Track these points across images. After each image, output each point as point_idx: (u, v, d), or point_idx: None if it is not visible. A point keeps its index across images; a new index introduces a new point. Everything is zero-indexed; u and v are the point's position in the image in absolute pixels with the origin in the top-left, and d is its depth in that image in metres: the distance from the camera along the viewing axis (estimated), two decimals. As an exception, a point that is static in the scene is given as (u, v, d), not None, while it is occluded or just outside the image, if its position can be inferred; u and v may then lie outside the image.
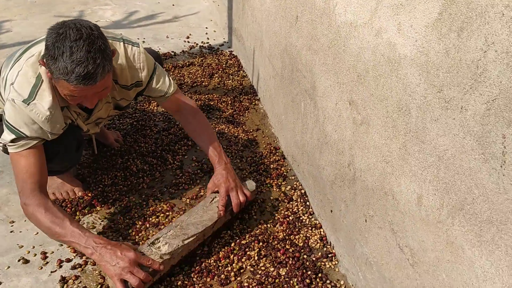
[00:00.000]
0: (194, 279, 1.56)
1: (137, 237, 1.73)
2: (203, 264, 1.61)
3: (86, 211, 1.85)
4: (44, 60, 1.38)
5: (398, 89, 1.12)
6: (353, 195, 1.45)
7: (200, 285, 1.54)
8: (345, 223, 1.54)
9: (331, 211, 1.66)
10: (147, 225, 1.78)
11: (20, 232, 1.75)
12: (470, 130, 0.88)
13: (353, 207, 1.46)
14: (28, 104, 1.44)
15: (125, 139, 2.30)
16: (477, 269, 0.90)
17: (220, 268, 1.60)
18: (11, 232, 1.75)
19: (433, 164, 1.01)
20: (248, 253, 1.65)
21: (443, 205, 0.99)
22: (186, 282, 1.54)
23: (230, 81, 2.92)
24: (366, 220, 1.37)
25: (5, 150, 1.74)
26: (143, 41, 3.47)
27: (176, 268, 1.57)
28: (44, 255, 1.65)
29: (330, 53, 1.54)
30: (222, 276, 1.56)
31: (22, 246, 1.69)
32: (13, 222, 1.79)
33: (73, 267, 1.60)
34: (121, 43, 1.60)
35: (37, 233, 1.74)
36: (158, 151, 2.22)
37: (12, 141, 1.47)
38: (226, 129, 2.43)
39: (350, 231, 1.51)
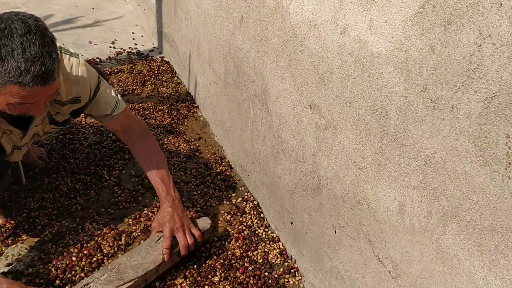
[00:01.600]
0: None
1: (77, 268, 1.51)
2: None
3: (9, 241, 1.58)
4: None
5: (371, 90, 1.05)
6: (319, 205, 1.36)
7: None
8: (310, 236, 1.44)
9: (291, 223, 1.56)
10: (85, 252, 1.56)
11: None
12: (464, 131, 0.82)
13: (319, 217, 1.37)
14: None
15: (50, 155, 2.04)
16: (477, 280, 0.83)
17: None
18: None
19: (418, 168, 0.94)
20: (210, 278, 1.49)
21: (431, 212, 0.92)
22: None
23: (164, 89, 2.74)
24: (335, 232, 1.29)
25: None
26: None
27: None
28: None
29: (284, 55, 1.44)
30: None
31: None
32: None
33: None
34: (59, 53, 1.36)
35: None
36: (91, 167, 1.99)
37: None
38: (165, 140, 2.25)
39: (316, 244, 1.41)
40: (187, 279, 1.48)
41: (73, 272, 1.49)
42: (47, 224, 1.68)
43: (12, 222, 1.66)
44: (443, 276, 0.91)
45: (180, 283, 1.47)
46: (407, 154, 0.96)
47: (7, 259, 1.53)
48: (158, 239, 1.49)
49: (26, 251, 1.56)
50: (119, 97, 1.56)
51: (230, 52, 1.92)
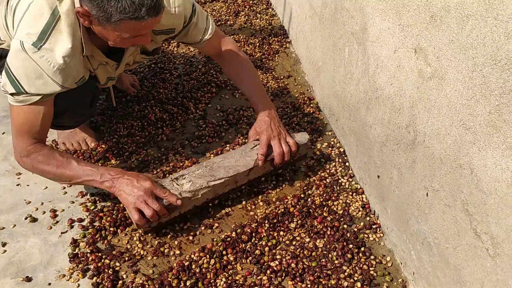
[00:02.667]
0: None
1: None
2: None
3: (99, 164, 1.66)
4: (89, 8, 1.15)
5: (495, 36, 0.85)
6: (411, 162, 1.22)
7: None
8: (397, 193, 1.32)
9: (378, 176, 1.44)
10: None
11: (28, 186, 1.58)
12: None
13: (410, 176, 1.23)
14: (38, 49, 1.21)
15: (142, 83, 2.07)
16: None
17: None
18: (18, 185, 1.58)
19: (545, 137, 0.76)
20: (287, 224, 1.45)
21: (553, 191, 0.76)
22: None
23: (257, 21, 2.62)
24: (427, 194, 1.15)
25: None
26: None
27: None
28: (54, 213, 1.48)
29: (391, -12, 1.25)
30: (257, 251, 1.37)
31: (30, 202, 1.52)
32: (19, 174, 1.62)
33: (85, 228, 1.43)
34: None
35: (46, 187, 1.57)
36: (178, 98, 1.99)
37: (12, 94, 1.27)
38: (254, 75, 2.17)
39: (403, 203, 1.29)
40: (266, 222, 1.45)
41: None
42: (134, 151, 1.72)
43: (103, 146, 1.73)
44: (557, 267, 0.76)
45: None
46: (532, 118, 0.78)
47: (96, 181, 1.61)
48: (254, 146, 1.52)
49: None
50: (211, 22, 1.56)
51: (330, -17, 1.73)
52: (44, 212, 1.49)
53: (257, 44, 2.40)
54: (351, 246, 1.38)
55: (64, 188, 1.57)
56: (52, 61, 1.23)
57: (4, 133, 1.78)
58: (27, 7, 1.24)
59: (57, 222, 1.46)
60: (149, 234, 1.41)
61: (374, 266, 1.34)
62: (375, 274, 1.32)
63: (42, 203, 1.52)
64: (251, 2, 2.80)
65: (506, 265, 0.89)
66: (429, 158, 1.13)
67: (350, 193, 1.57)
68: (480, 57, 0.91)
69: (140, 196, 1.30)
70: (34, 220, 1.46)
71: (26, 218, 1.46)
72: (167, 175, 1.59)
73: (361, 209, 1.51)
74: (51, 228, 1.44)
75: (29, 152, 1.32)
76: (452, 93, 1.01)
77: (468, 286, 1.02)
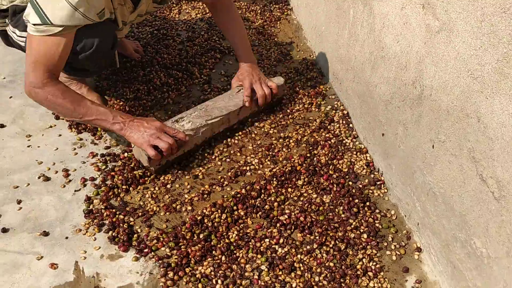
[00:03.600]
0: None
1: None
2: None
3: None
4: None
5: (505, -16, 0.88)
6: (417, 117, 1.25)
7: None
8: (402, 148, 1.36)
9: (383, 134, 1.48)
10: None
11: (38, 147, 1.60)
12: None
13: (415, 130, 1.27)
14: None
15: (146, 49, 2.09)
16: None
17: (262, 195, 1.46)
18: (29, 147, 1.60)
19: (552, 79, 0.80)
20: (294, 182, 1.49)
21: (559, 130, 0.80)
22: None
23: (258, -12, 2.62)
24: (433, 146, 1.19)
25: (6, 38, 1.63)
26: None
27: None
28: (66, 172, 1.51)
29: None
30: (266, 206, 1.42)
31: (42, 162, 1.55)
32: (29, 136, 1.64)
33: (98, 186, 1.46)
34: None
35: (57, 148, 1.59)
36: (183, 63, 2.01)
37: (34, 24, 1.30)
38: (256, 42, 2.19)
39: (408, 158, 1.33)
40: (274, 179, 1.49)
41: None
42: (142, 114, 1.75)
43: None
44: (561, 202, 0.81)
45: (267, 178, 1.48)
46: (540, 61, 0.82)
47: (105, 142, 1.64)
48: (238, 90, 1.69)
49: (121, 138, 1.65)
50: None
51: None
52: (57, 172, 1.51)
53: (259, 11, 2.41)
54: (356, 201, 1.43)
55: (75, 149, 1.60)
56: None
57: (11, 97, 1.79)
58: None
59: (70, 181, 1.49)
60: (161, 191, 1.45)
61: (379, 219, 1.39)
62: (380, 226, 1.37)
63: (54, 163, 1.54)
64: (251, -30, 2.78)
65: (510, 205, 0.94)
66: (435, 111, 1.17)
67: (355, 153, 1.61)
68: (489, 7, 0.94)
69: (154, 134, 1.41)
70: (47, 179, 1.49)
71: (39, 178, 1.49)
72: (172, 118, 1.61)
73: (365, 167, 1.56)
74: (64, 186, 1.47)
75: (44, 84, 1.37)
76: (460, 44, 1.04)
77: (472, 230, 1.07)
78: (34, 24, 1.31)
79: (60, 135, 1.65)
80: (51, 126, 1.68)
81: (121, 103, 1.78)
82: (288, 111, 1.78)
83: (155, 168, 1.48)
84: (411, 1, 1.23)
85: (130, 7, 1.53)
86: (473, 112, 1.02)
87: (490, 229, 1.00)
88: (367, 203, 1.43)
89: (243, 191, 1.45)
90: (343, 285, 1.21)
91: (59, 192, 1.45)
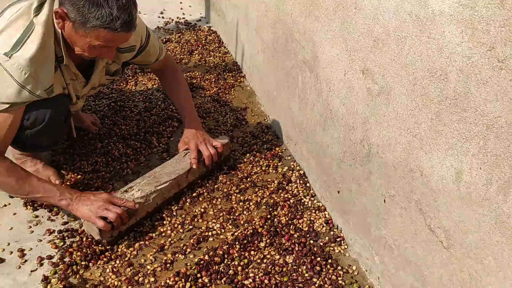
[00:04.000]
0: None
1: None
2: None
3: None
4: (68, 11, 1.26)
5: (430, 52, 0.99)
6: (368, 174, 1.33)
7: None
8: (357, 205, 1.42)
9: (338, 192, 1.54)
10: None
11: (-6, 226, 1.55)
12: (534, 93, 0.76)
13: (368, 186, 1.34)
14: (9, 57, 1.29)
15: (103, 121, 2.10)
16: (540, 251, 0.79)
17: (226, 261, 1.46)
18: (-19, 227, 1.55)
19: (479, 134, 0.89)
20: (257, 244, 1.51)
21: (491, 180, 0.87)
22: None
23: (211, 58, 2.74)
24: (385, 201, 1.26)
25: None
26: (114, 18, 3.23)
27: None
28: (22, 252, 1.46)
29: (336, 18, 1.39)
30: (230, 271, 1.41)
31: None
32: (-18, 216, 1.59)
33: (56, 264, 1.42)
34: None
35: (12, 228, 1.55)
36: (141, 133, 2.03)
37: None
38: (212, 109, 2.26)
39: (363, 213, 1.39)
40: (237, 243, 1.50)
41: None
42: (101, 186, 1.74)
43: (68, 183, 1.73)
44: (501, 246, 0.87)
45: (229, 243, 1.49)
46: (467, 119, 0.91)
47: (63, 218, 1.61)
48: (185, 154, 1.73)
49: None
50: (161, 43, 1.76)
51: (279, 18, 1.88)
52: (12, 252, 1.46)
53: (213, 80, 2.51)
54: (319, 259, 1.45)
55: (30, 227, 1.55)
56: (23, 68, 1.30)
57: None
58: (4, 26, 1.33)
59: (26, 261, 1.44)
60: (122, 264, 1.42)
61: (341, 275, 1.41)
62: (343, 283, 1.39)
63: (9, 244, 1.49)
64: (203, 41, 2.92)
65: (459, 254, 0.99)
66: (383, 167, 1.24)
67: (313, 211, 1.66)
68: (419, 71, 1.04)
69: (101, 205, 1.41)
70: (2, 260, 1.43)
71: (-8, 260, 1.43)
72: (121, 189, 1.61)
73: (324, 224, 1.60)
74: (19, 267, 1.41)
75: None
76: (398, 105, 1.14)
77: (428, 280, 1.12)
78: None
79: (14, 214, 1.61)
80: (5, 205, 1.63)
81: (78, 177, 1.76)
82: (246, 174, 1.83)
83: (108, 240, 1.46)
84: (352, 67, 1.34)
85: (82, 81, 1.57)
86: (416, 167, 1.10)
87: (443, 278, 1.05)
88: (329, 261, 1.45)
89: (206, 257, 1.45)
90: None
91: (15, 273, 1.40)
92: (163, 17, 3.25)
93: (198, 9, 3.40)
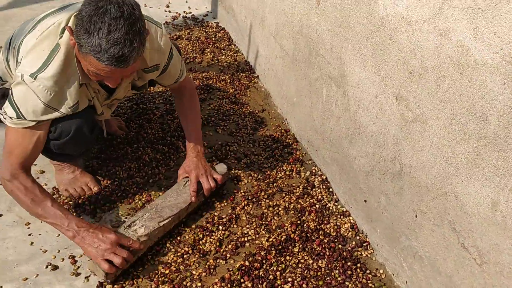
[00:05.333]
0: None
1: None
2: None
3: (106, 207, 1.76)
4: (73, 30, 1.30)
5: (470, 94, 1.12)
6: (399, 189, 1.46)
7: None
8: (386, 215, 1.56)
9: (365, 201, 1.68)
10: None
11: (40, 234, 1.64)
12: None
13: (398, 201, 1.48)
14: (35, 79, 1.37)
15: (128, 125, 2.19)
16: None
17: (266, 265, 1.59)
18: (30, 235, 1.64)
19: (517, 173, 1.02)
20: (291, 249, 1.64)
21: (526, 213, 1.02)
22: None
23: (223, 57, 2.81)
24: (416, 216, 1.40)
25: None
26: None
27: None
28: (73, 259, 1.56)
29: (368, 44, 1.50)
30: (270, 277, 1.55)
31: (46, 250, 1.59)
32: (28, 224, 1.68)
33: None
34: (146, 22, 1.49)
35: (58, 235, 1.64)
36: (167, 137, 2.13)
37: (10, 117, 1.42)
38: (231, 111, 2.36)
39: (392, 223, 1.53)
40: (272, 249, 1.63)
41: (166, 239, 1.66)
42: (137, 192, 1.84)
43: (106, 189, 1.83)
44: (533, 269, 1.02)
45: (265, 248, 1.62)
46: (507, 158, 1.04)
47: (105, 222, 1.71)
48: (185, 183, 1.74)
49: (122, 217, 1.73)
50: (184, 65, 1.77)
51: (302, 31, 1.97)
52: (63, 259, 1.56)
53: (228, 81, 2.59)
54: (349, 263, 1.60)
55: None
56: (48, 88, 1.38)
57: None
58: (32, 45, 1.40)
59: (78, 267, 1.55)
60: (169, 270, 1.54)
61: (371, 279, 1.56)
62: (373, 286, 1.54)
63: (59, 251, 1.59)
64: (213, 39, 2.98)
65: (492, 271, 1.14)
66: (415, 186, 1.38)
67: (339, 216, 1.80)
68: (457, 109, 1.17)
69: (108, 248, 1.43)
70: (55, 267, 1.54)
71: (47, 267, 1.53)
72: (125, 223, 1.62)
73: (350, 229, 1.74)
74: (74, 274, 1.52)
75: (13, 177, 1.45)
76: (434, 135, 1.27)
77: (458, 289, 1.27)
78: (10, 117, 1.42)
79: (59, 221, 1.70)
80: (49, 212, 1.72)
81: (115, 183, 1.86)
82: (272, 179, 1.95)
83: (111, 279, 1.49)
84: (385, 92, 1.45)
85: (104, 94, 1.62)
86: (450, 191, 1.24)
87: (475, 288, 1.20)
88: (358, 265, 1.60)
89: (247, 262, 1.58)
90: None
91: (70, 280, 1.51)
92: (169, 11, 3.28)
93: (204, 3, 3.44)
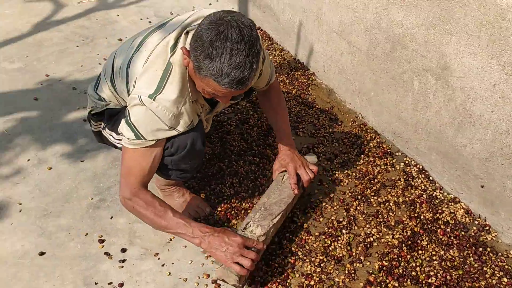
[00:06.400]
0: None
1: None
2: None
3: (225, 226, 1.76)
4: (190, 51, 1.30)
5: None
6: (531, 173, 1.51)
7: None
8: (513, 198, 1.61)
9: (482, 186, 1.72)
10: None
11: (172, 263, 1.63)
12: None
13: (530, 184, 1.53)
14: (154, 100, 1.37)
15: (210, 139, 2.17)
16: None
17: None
18: (163, 265, 1.63)
19: None
20: (419, 243, 1.68)
21: None
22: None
23: (271, 57, 2.80)
24: (558, 196, 1.45)
25: (98, 134, 1.77)
26: (149, 21, 3.20)
27: None
28: (216, 283, 1.56)
29: (482, 35, 1.53)
30: (413, 273, 1.59)
31: (186, 279, 1.58)
32: (157, 254, 1.66)
33: (253, 291, 1.54)
34: None
35: (192, 261, 1.64)
36: (253, 147, 2.12)
37: (129, 138, 1.43)
38: (303, 112, 2.37)
39: (523, 206, 1.58)
40: (403, 245, 1.67)
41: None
42: (248, 207, 1.84)
43: (219, 209, 1.82)
44: None
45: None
46: None
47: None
48: (282, 179, 1.74)
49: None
50: (273, 66, 1.76)
51: (380, 25, 1.99)
52: (207, 285, 1.56)
53: (287, 81, 2.59)
54: (480, 249, 1.65)
55: (211, 260, 1.65)
56: (167, 109, 1.38)
57: (112, 217, 1.79)
58: (143, 67, 1.41)
59: (226, 291, 1.55)
60: (310, 281, 1.56)
61: (505, 261, 1.62)
62: (509, 267, 1.60)
63: (199, 277, 1.59)
64: (254, 39, 2.96)
65: None
66: (556, 169, 1.43)
67: (449, 203, 1.84)
68: None
69: (236, 251, 1.43)
70: (205, 293, 1.54)
71: (197, 295, 1.53)
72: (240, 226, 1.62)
73: (466, 215, 1.79)
74: (221, 302, 1.53)
75: (133, 195, 1.46)
76: None
77: None
78: (128, 138, 1.43)
79: (185, 246, 1.69)
80: (171, 239, 1.72)
81: (225, 200, 1.85)
82: (371, 175, 1.98)
83: (243, 284, 1.49)
84: (507, 80, 1.49)
85: (207, 109, 1.64)
86: None
87: None
88: (488, 249, 1.65)
89: (385, 262, 1.61)
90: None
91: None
92: (198, 16, 3.23)
93: (227, 4, 3.41)
